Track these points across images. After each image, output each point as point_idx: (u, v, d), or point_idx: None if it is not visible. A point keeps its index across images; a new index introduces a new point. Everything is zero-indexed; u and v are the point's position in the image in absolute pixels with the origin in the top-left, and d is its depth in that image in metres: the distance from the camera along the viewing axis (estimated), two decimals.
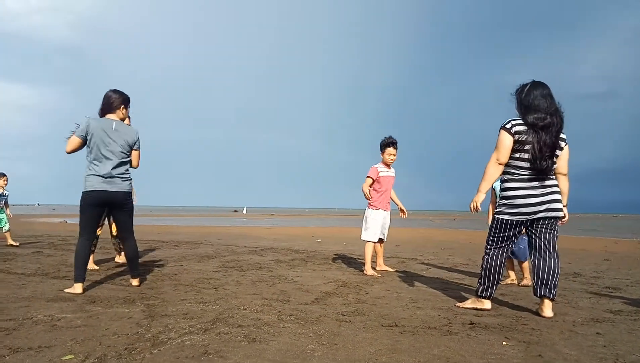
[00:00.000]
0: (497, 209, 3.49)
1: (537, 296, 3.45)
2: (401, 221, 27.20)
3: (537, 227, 3.41)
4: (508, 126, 3.32)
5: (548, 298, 3.39)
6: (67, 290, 3.96)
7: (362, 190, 5.51)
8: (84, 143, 3.98)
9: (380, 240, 5.70)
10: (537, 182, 3.33)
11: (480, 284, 3.58)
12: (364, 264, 5.60)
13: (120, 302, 3.57)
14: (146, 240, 9.46)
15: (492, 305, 3.68)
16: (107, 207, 4.09)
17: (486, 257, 3.54)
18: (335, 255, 7.77)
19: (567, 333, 2.95)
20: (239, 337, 2.68)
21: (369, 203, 5.56)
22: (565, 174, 3.49)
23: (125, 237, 4.27)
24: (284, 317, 3.20)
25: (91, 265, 5.33)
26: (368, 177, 5.51)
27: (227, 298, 3.83)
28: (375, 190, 5.55)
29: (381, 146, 5.60)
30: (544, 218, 3.36)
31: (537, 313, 3.45)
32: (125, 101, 4.17)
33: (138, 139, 4.17)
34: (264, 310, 3.42)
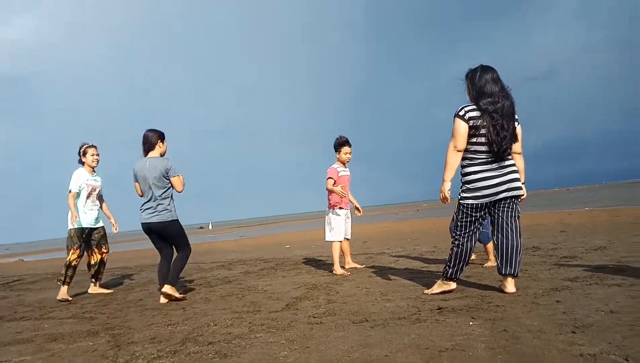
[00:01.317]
0: (461, 195, 3.55)
1: (501, 274, 3.54)
2: (367, 218, 27.51)
3: (499, 207, 3.48)
4: (461, 113, 3.39)
5: (512, 275, 3.48)
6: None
7: (333, 190, 5.48)
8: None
9: (346, 239, 5.74)
10: (495, 164, 3.41)
11: (449, 267, 3.63)
12: (332, 265, 5.62)
13: (84, 336, 3.43)
14: (109, 269, 9.12)
15: (458, 287, 3.79)
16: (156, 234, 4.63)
17: (456, 242, 3.60)
18: (304, 259, 7.76)
19: (529, 306, 3.07)
20: (210, 354, 2.63)
21: (330, 204, 5.59)
22: (520, 153, 3.60)
23: (178, 250, 4.71)
24: (255, 328, 3.16)
25: (65, 296, 5.35)
26: (329, 178, 5.53)
27: (195, 316, 3.75)
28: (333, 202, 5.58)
29: (336, 145, 5.64)
30: (505, 198, 3.44)
31: (501, 290, 3.57)
32: (161, 136, 4.67)
33: (170, 167, 4.56)
34: (234, 323, 3.37)
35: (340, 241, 5.59)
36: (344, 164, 5.64)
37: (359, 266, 5.90)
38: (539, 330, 2.52)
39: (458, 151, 3.44)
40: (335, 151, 5.64)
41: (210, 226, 48.97)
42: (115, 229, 5.81)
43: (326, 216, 5.65)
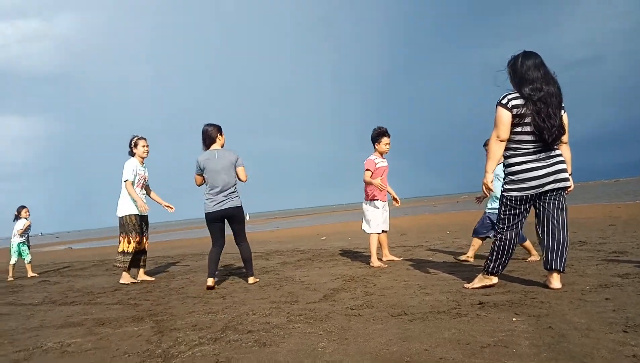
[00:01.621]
0: (505, 187, 3.42)
1: (546, 269, 3.42)
2: (405, 210, 27.23)
3: (545, 199, 3.35)
4: (504, 101, 3.26)
5: (557, 270, 3.35)
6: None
7: (371, 182, 5.39)
8: (202, 176, 4.90)
9: (383, 231, 5.69)
10: (542, 154, 3.26)
11: (491, 261, 3.52)
12: (370, 257, 5.59)
13: (129, 321, 3.57)
14: (152, 257, 9.44)
15: (500, 282, 3.69)
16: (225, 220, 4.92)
17: (499, 236, 3.48)
18: (340, 250, 7.76)
19: (576, 303, 2.95)
20: (249, 343, 2.68)
21: (367, 196, 5.54)
22: (566, 143, 3.43)
23: (238, 242, 5.02)
24: (293, 318, 3.19)
25: (129, 279, 5.78)
26: (367, 170, 5.46)
27: (235, 305, 3.83)
28: (370, 194, 5.53)
29: (375, 136, 5.56)
30: (552, 190, 3.30)
31: (546, 286, 3.45)
32: (219, 129, 4.94)
33: (238, 158, 4.91)
34: (272, 313, 3.41)
35: (378, 234, 5.55)
36: (381, 155, 5.57)
37: (396, 258, 5.85)
38: (587, 328, 2.41)
39: (501, 141, 3.31)
40: (374, 142, 5.56)
41: (247, 217, 49.81)
42: (172, 209, 6.02)
43: (363, 208, 5.61)
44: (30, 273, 8.09)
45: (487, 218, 5.14)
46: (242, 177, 4.92)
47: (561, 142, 3.37)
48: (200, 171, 4.88)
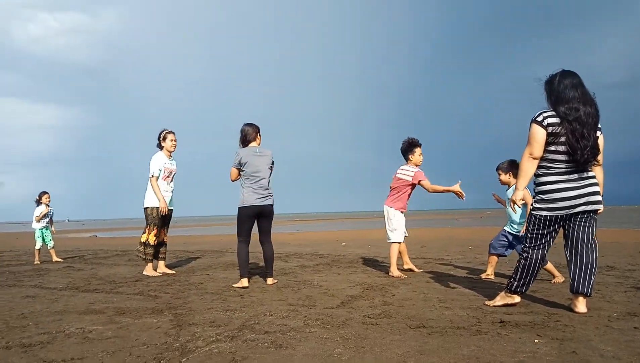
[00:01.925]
0: (535, 206, 3.35)
1: (572, 292, 3.33)
2: (426, 221, 26.92)
3: (575, 221, 3.27)
4: (539, 118, 3.20)
5: (584, 294, 3.27)
6: (234, 285, 4.83)
7: (438, 190, 5.21)
8: (239, 170, 4.94)
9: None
10: (575, 174, 3.19)
11: (515, 280, 3.45)
12: (389, 266, 5.54)
13: (149, 313, 3.62)
14: (172, 251, 9.59)
15: (523, 302, 3.61)
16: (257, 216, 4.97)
17: (525, 255, 3.40)
18: (360, 257, 7.72)
19: (602, 329, 2.86)
20: (266, 343, 2.68)
21: (396, 205, 5.46)
22: (600, 164, 3.34)
23: (264, 241, 5.07)
24: (310, 322, 3.19)
25: (152, 272, 5.89)
26: (425, 179, 5.30)
27: (253, 305, 3.85)
28: (401, 196, 5.48)
29: (407, 148, 5.43)
30: (583, 212, 3.22)
31: (571, 309, 3.35)
32: (257, 129, 5.05)
33: (272, 160, 5.05)
34: (289, 315, 3.42)
35: (400, 242, 5.49)
36: (417, 166, 5.46)
37: (415, 268, 5.78)
38: (613, 356, 2.33)
39: (534, 158, 3.24)
40: (407, 154, 5.43)
41: None
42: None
43: (389, 216, 5.52)
44: (54, 258, 8.32)
45: (503, 236, 5.02)
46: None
47: (595, 163, 3.28)
48: (239, 166, 4.90)
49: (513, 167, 4.80)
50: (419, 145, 5.44)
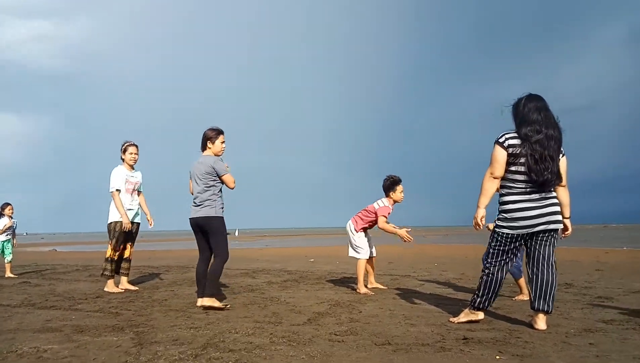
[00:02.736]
0: (497, 224, 3.47)
1: (533, 309, 3.42)
2: (394, 239, 27.19)
3: (537, 240, 3.38)
4: (501, 140, 3.33)
5: (544, 311, 3.37)
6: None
7: (390, 231, 5.33)
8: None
9: (371, 257, 5.68)
10: (536, 195, 3.30)
11: (477, 296, 3.53)
12: (356, 282, 5.56)
13: (109, 330, 3.50)
14: (136, 266, 9.31)
15: (486, 318, 3.68)
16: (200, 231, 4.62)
17: (486, 271, 3.50)
18: (327, 274, 7.72)
19: (560, 345, 2.95)
20: (230, 362, 2.64)
21: (357, 227, 5.52)
22: (564, 186, 3.47)
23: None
24: (275, 339, 3.15)
25: (113, 288, 5.68)
26: (382, 216, 5.34)
27: (218, 322, 3.78)
28: (365, 220, 5.53)
29: (390, 184, 5.41)
30: (544, 231, 3.33)
31: (531, 326, 3.45)
32: (215, 135, 4.62)
33: (213, 162, 4.50)
34: (255, 332, 3.37)
35: (366, 259, 5.53)
36: (394, 203, 5.47)
37: (382, 287, 5.82)
38: None
39: (495, 178, 3.36)
40: (389, 191, 5.43)
41: (236, 234, 49.41)
42: (151, 224, 5.99)
43: (351, 236, 5.58)
44: (8, 274, 7.91)
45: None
46: (229, 185, 4.61)
47: (558, 185, 3.41)
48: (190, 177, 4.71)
49: None
50: (399, 182, 5.43)
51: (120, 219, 5.61)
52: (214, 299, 4.38)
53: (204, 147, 4.66)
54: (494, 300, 3.55)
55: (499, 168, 3.31)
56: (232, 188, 4.67)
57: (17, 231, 8.46)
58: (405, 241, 5.29)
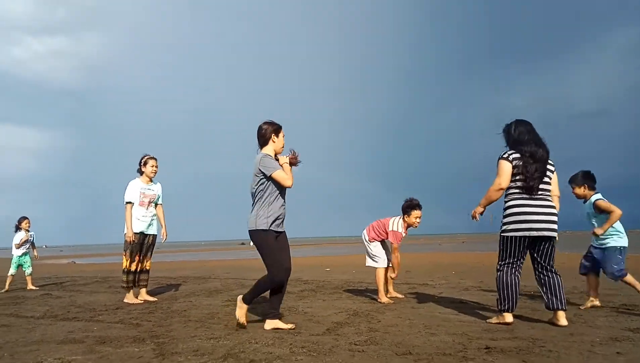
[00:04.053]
0: (503, 227, 3.88)
1: (551, 309, 3.81)
2: (411, 247, 26.98)
3: (540, 245, 3.82)
4: (506, 156, 3.86)
5: (561, 309, 3.76)
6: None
7: (394, 256, 5.33)
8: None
9: (389, 266, 5.65)
10: (536, 201, 3.77)
11: (498, 299, 3.91)
12: (376, 292, 5.52)
13: (130, 341, 3.54)
14: (154, 277, 9.40)
15: (507, 327, 3.75)
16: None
17: (498, 273, 3.93)
18: (344, 283, 7.69)
19: (586, 354, 2.89)
20: None
21: (372, 238, 5.53)
22: (558, 196, 4.02)
23: None
24: (296, 350, 3.15)
25: (133, 300, 5.75)
26: (397, 243, 5.31)
27: (237, 332, 3.79)
28: (377, 233, 5.52)
29: (407, 208, 5.35)
30: (545, 237, 3.77)
31: (553, 323, 3.75)
32: (273, 131, 3.99)
33: (259, 163, 3.83)
34: (275, 343, 3.37)
35: (385, 268, 5.49)
36: (408, 227, 5.44)
37: (400, 295, 5.78)
38: None
39: (501, 188, 3.83)
40: (404, 213, 5.39)
41: (251, 243, 49.47)
42: (164, 238, 6.05)
43: (367, 245, 5.58)
44: (30, 286, 8.05)
45: (589, 252, 4.78)
46: (284, 183, 3.86)
47: (554, 195, 3.93)
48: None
49: (587, 179, 4.61)
50: (418, 207, 5.38)
51: (135, 231, 5.69)
52: (277, 321, 3.93)
53: (264, 143, 4.01)
54: (515, 303, 3.82)
55: (506, 179, 3.80)
56: (289, 186, 3.89)
57: (36, 244, 8.59)
58: (394, 270, 5.44)
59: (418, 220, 5.40)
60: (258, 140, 4.04)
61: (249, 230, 3.94)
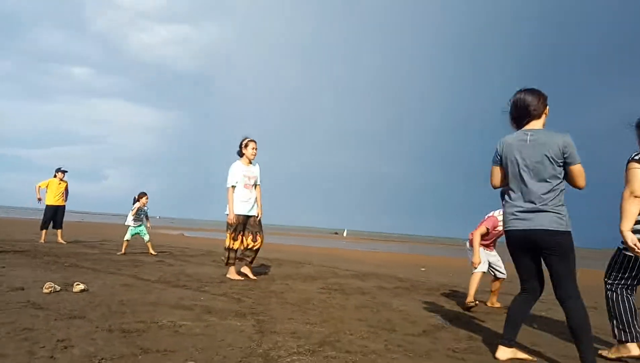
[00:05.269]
0: (624, 245, 3.17)
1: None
2: None
3: None
4: (637, 158, 3.18)
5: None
6: None
7: (474, 247, 4.98)
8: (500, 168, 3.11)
9: (498, 277, 5.34)
10: None
11: (614, 326, 3.29)
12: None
13: (233, 315, 3.75)
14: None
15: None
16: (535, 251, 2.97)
17: (609, 294, 3.36)
18: (440, 286, 7.42)
19: None
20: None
21: (470, 241, 5.23)
22: None
23: (560, 295, 3.02)
24: (391, 347, 3.10)
25: (234, 276, 6.03)
26: (481, 225, 4.95)
27: (332, 321, 3.83)
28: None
29: (501, 193, 4.93)
30: None
31: None
32: (544, 99, 3.03)
33: (567, 145, 2.84)
34: (370, 337, 3.35)
35: (483, 272, 5.17)
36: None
37: (499, 306, 5.42)
38: None
39: (636, 196, 3.10)
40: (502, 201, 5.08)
41: (345, 234, 50.13)
42: (259, 216, 6.25)
43: (467, 248, 5.32)
44: (151, 251, 8.96)
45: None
46: (579, 181, 2.90)
47: None
48: (499, 161, 3.10)
49: None
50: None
51: (236, 212, 5.98)
52: (514, 349, 3.06)
53: (528, 116, 3.01)
54: (636, 328, 3.20)
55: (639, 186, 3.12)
56: (582, 187, 2.95)
57: (149, 215, 9.49)
58: (473, 265, 5.04)
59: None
60: (520, 114, 3.03)
61: (556, 231, 2.83)
